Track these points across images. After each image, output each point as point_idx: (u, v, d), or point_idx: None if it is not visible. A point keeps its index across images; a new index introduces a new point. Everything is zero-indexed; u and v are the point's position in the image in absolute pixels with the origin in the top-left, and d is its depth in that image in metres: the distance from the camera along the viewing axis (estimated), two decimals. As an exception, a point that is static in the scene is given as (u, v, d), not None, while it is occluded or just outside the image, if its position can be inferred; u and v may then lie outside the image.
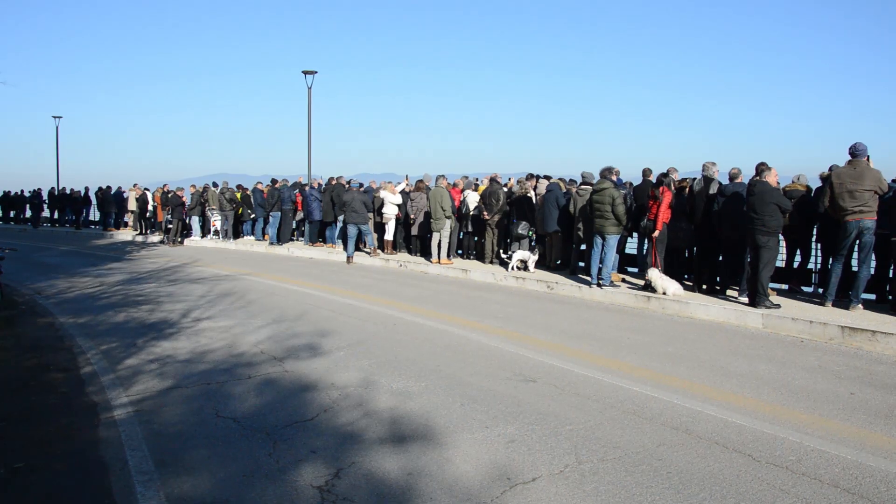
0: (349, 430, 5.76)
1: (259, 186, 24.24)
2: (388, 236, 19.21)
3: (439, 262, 16.75)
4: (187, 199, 25.93)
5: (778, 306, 10.47)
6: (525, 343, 8.97)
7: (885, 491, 4.62)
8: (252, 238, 24.95)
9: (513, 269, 15.05)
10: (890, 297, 10.76)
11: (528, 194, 15.67)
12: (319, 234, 22.16)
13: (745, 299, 11.03)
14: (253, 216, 24.76)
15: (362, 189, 19.82)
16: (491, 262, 16.58)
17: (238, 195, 25.47)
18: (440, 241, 16.82)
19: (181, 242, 25.44)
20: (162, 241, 26.29)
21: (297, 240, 23.91)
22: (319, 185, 22.12)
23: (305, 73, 27.69)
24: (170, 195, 25.86)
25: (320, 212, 21.34)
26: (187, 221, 26.06)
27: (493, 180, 16.84)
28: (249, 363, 7.92)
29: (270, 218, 23.06)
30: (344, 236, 19.38)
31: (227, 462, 5.09)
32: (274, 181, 23.94)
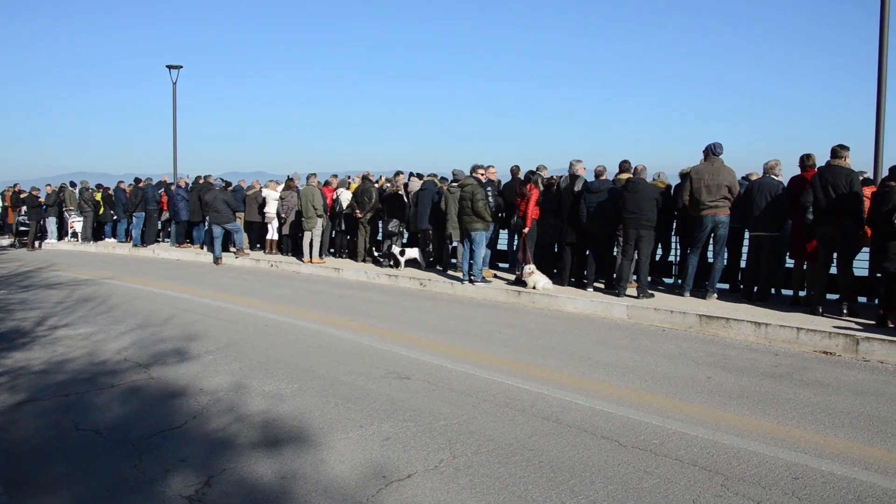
0: (220, 435, 5.59)
1: (121, 185, 23.22)
2: (271, 236, 18.86)
3: (311, 262, 16.56)
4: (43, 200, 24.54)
5: (652, 295, 10.98)
6: (399, 340, 8.99)
7: (737, 465, 4.91)
8: (114, 240, 23.86)
9: (403, 265, 15.12)
10: (742, 287, 11.45)
11: (399, 192, 15.71)
12: (187, 235, 21.47)
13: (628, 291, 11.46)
14: (115, 217, 23.67)
15: (229, 188, 19.34)
16: (364, 261, 16.53)
17: (98, 195, 24.28)
18: (312, 240, 16.64)
19: (39, 246, 24.01)
20: (12, 245, 24.74)
21: (163, 241, 23.07)
22: (186, 184, 21.41)
23: (170, 67, 26.73)
24: (23, 195, 24.36)
25: (187, 212, 20.67)
26: (42, 223, 24.60)
27: (365, 178, 16.80)
28: (112, 371, 7.55)
29: (134, 219, 22.13)
30: (210, 237, 18.82)
31: (88, 477, 4.82)
32: (137, 180, 22.99)
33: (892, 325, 8.71)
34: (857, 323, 9.05)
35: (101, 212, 24.17)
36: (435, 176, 15.94)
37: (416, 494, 4.47)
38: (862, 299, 10.64)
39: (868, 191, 9.61)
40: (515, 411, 6.14)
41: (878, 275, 8.98)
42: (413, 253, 15.29)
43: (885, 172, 9.45)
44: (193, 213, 20.47)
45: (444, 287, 13.35)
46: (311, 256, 16.66)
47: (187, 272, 16.74)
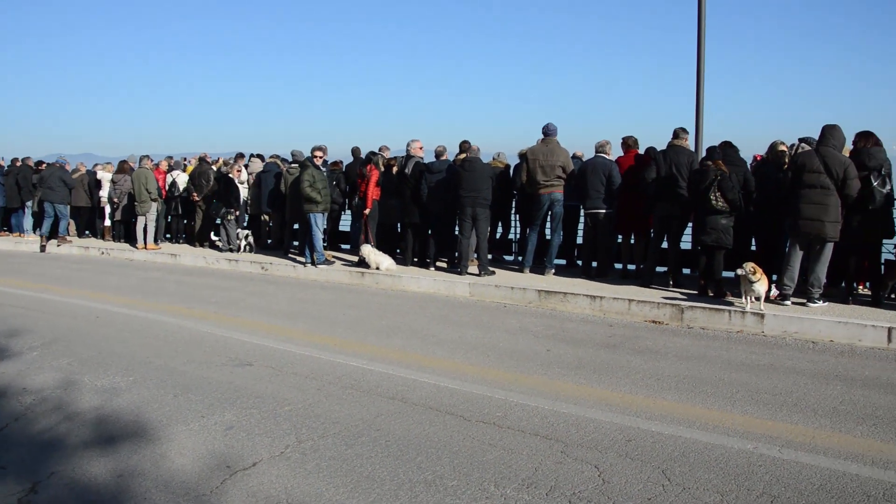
0: (47, 437, 5.26)
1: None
2: (108, 221, 17.80)
3: (146, 248, 15.83)
4: None
5: (493, 273, 11.25)
6: (240, 326, 8.78)
7: (576, 432, 5.16)
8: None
9: (242, 249, 14.72)
10: (579, 263, 11.96)
11: (230, 174, 15.24)
12: (3, 223, 19.92)
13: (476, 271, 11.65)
14: None
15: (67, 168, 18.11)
16: (202, 246, 15.99)
17: None
18: (146, 225, 15.90)
19: None
20: None
21: (-24, 230, 21.28)
22: (1, 167, 19.82)
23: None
24: None
25: (3, 197, 19.15)
26: None
27: (202, 160, 16.23)
28: (-81, 374, 6.92)
29: (-65, 206, 20.25)
30: (39, 220, 17.55)
31: None
32: (-60, 163, 21.05)
33: (711, 295, 9.37)
34: (681, 293, 9.68)
35: None
36: (278, 157, 15.60)
37: (263, 482, 4.40)
38: (686, 271, 11.37)
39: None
40: (361, 392, 6.16)
41: (699, 248, 9.64)
42: (243, 235, 14.94)
43: (704, 153, 10.13)
44: (11, 198, 18.98)
45: (287, 270, 13.15)
46: (145, 242, 15.91)
47: (5, 263, 15.57)
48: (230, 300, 10.67)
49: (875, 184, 8.34)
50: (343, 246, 15.35)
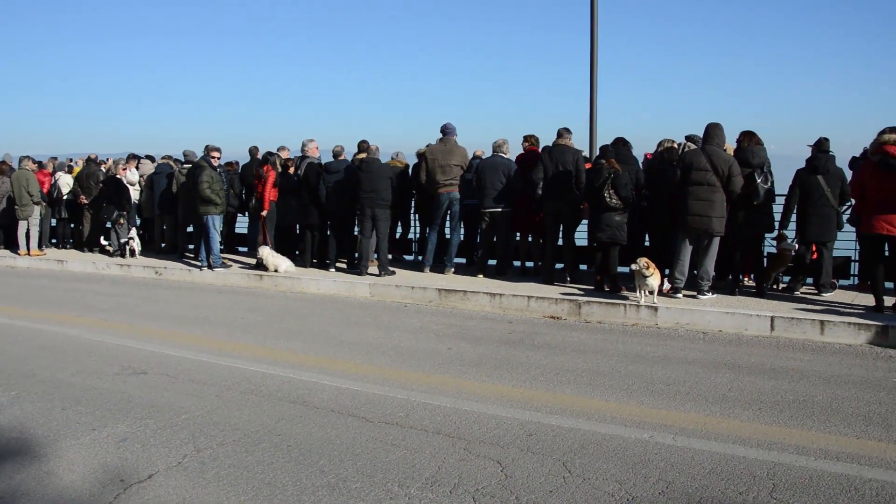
0: (-80, 458, 4.94)
1: None
2: None
3: (29, 254, 15.07)
4: None
5: (394, 272, 11.23)
6: (134, 334, 8.47)
7: (478, 429, 5.21)
8: None
9: (128, 254, 14.17)
10: (476, 261, 12.06)
11: (118, 175, 14.69)
12: None
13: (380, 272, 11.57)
14: None
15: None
16: (91, 251, 15.35)
17: None
18: (28, 229, 15.13)
19: None
20: None
21: None
22: None
23: None
24: None
25: None
26: None
27: (90, 161, 15.56)
28: None
29: None
30: None
31: None
32: None
33: (607, 289, 9.62)
34: (578, 288, 9.90)
35: None
36: (170, 157, 15.11)
37: (159, 495, 4.26)
38: (583, 267, 11.62)
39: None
40: (261, 397, 6.04)
41: (594, 244, 9.88)
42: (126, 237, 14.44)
43: (598, 151, 10.39)
44: None
45: (182, 275, 12.77)
46: (28, 248, 15.15)
47: None
48: (122, 306, 10.29)
49: (759, 181, 8.74)
50: (240, 248, 15.02)
